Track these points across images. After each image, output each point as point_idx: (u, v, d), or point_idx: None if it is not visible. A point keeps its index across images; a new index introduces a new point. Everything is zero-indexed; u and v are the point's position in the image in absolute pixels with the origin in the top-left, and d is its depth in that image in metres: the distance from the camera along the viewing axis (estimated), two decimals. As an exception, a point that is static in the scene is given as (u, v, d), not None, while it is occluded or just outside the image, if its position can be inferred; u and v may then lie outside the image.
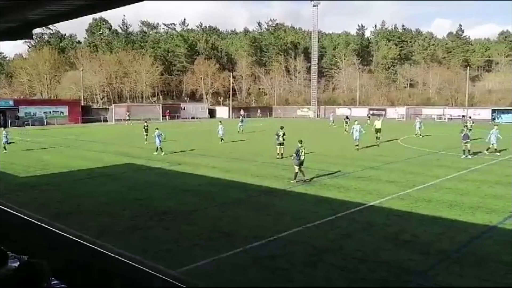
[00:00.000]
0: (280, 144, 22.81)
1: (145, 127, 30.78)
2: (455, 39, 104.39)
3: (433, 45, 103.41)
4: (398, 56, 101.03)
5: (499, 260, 8.27)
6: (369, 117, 53.44)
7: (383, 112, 64.52)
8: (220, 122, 32.63)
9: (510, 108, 63.83)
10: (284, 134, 23.00)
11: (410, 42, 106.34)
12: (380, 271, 7.87)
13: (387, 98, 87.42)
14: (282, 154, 22.51)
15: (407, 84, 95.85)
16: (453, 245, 9.16)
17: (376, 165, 20.04)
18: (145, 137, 30.19)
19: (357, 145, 25.71)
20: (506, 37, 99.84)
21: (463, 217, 11.27)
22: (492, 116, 59.82)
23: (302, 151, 16.07)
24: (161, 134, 25.20)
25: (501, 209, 11.99)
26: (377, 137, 28.48)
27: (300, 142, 16.45)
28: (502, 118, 57.75)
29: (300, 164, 16.02)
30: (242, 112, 64.43)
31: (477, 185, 15.38)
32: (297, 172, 16.05)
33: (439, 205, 12.53)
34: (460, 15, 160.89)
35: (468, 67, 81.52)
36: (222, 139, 30.54)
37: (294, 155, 16.15)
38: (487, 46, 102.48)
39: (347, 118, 40.58)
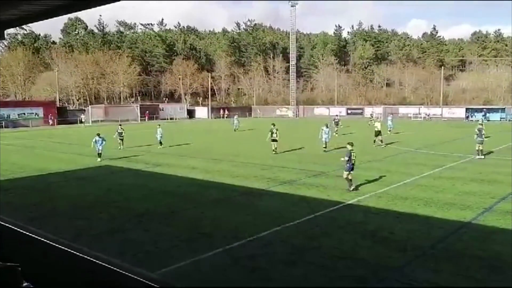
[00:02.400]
0: (274, 140, 24.03)
1: (119, 131, 27.55)
2: (430, 40, 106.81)
3: (408, 45, 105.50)
4: (375, 56, 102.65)
5: (473, 255, 8.49)
6: (371, 118, 49.59)
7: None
8: (159, 125, 29.84)
9: (483, 107, 65.77)
10: (277, 130, 24.15)
11: (386, 42, 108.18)
12: (358, 268, 7.98)
13: (364, 97, 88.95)
14: (276, 150, 24.00)
15: (384, 84, 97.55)
16: (429, 241, 9.35)
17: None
18: (120, 141, 27.36)
19: (325, 147, 25.07)
20: (478, 37, 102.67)
21: (438, 213, 11.52)
22: (466, 114, 61.47)
23: (353, 155, 14.50)
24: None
25: (475, 205, 12.31)
26: (380, 140, 27.45)
27: (351, 145, 14.86)
28: (475, 117, 59.27)
29: (351, 169, 14.42)
30: (224, 111, 65.57)
31: (451, 183, 15.74)
32: (349, 179, 14.45)
33: (415, 202, 12.78)
34: (435, 16, 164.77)
35: (442, 67, 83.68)
36: (161, 142, 28.30)
37: (346, 159, 14.36)
38: (460, 46, 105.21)
39: (337, 117, 39.22)
